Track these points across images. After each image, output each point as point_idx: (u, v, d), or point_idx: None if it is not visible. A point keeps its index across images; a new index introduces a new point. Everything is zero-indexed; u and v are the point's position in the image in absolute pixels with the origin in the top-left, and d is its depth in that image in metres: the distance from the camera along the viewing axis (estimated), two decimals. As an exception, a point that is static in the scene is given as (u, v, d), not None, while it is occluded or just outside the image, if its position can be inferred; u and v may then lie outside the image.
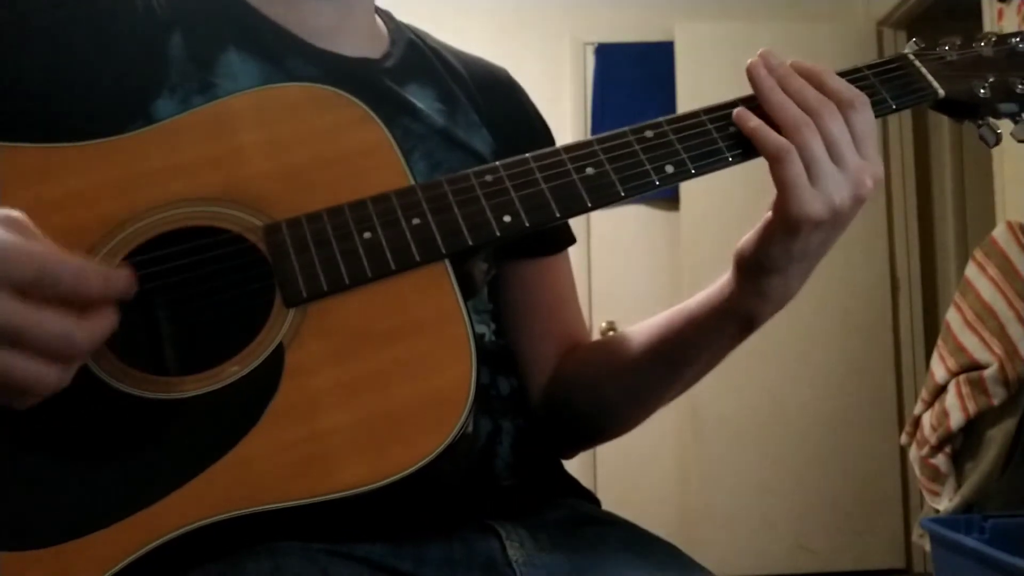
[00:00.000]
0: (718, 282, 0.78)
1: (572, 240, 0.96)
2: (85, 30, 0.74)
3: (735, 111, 0.73)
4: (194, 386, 0.62)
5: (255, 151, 0.70)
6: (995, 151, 2.85)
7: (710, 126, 0.73)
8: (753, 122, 0.72)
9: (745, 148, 0.73)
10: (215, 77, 0.76)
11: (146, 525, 0.58)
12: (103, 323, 0.56)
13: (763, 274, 0.73)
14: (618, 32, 3.92)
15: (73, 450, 0.60)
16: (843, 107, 0.71)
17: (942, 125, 3.89)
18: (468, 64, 0.93)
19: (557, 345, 0.90)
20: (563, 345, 0.90)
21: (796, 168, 0.69)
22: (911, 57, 0.80)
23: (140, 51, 0.75)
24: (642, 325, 0.85)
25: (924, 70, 0.79)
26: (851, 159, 0.70)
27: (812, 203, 0.69)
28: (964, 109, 0.81)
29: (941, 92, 0.79)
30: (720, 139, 0.73)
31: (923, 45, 0.82)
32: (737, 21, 3.77)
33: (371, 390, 0.63)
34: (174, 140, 0.70)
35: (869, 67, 0.79)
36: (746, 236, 0.74)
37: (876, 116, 0.76)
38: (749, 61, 0.73)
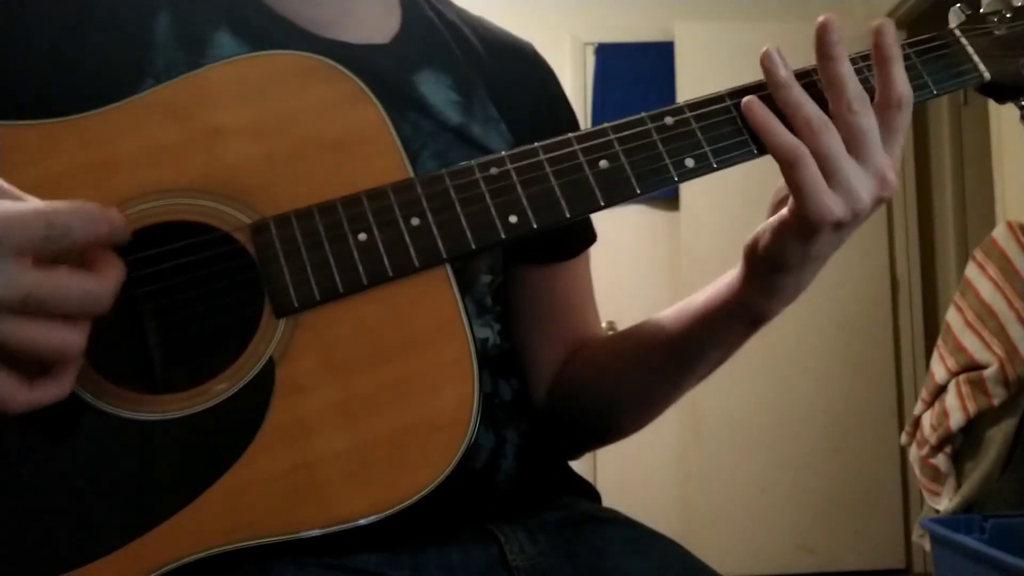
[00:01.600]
0: (726, 278, 0.74)
1: (591, 239, 0.90)
2: (63, 15, 0.69)
3: (743, 101, 0.67)
4: (180, 405, 0.59)
5: (238, 133, 0.64)
6: (995, 151, 2.85)
7: (735, 113, 0.67)
8: (761, 119, 0.66)
9: None
10: (206, 59, 0.69)
11: (133, 562, 0.55)
12: (115, 271, 0.54)
13: (776, 272, 0.70)
14: (618, 32, 3.92)
15: (50, 478, 0.56)
16: (881, 102, 0.66)
17: (942, 125, 3.88)
18: (489, 42, 0.86)
19: (566, 349, 0.87)
20: (569, 351, 0.87)
21: (810, 171, 0.64)
22: (957, 33, 0.73)
23: (123, 33, 0.69)
24: (649, 321, 0.82)
25: (970, 49, 0.72)
26: (877, 156, 0.65)
27: (831, 205, 0.64)
28: (1007, 91, 0.75)
29: (987, 75, 0.72)
30: (745, 128, 0.67)
31: (969, 12, 0.74)
32: (737, 21, 3.77)
33: (367, 412, 0.59)
34: (150, 118, 0.64)
35: (911, 44, 0.71)
36: (758, 231, 0.70)
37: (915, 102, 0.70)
38: (763, 49, 0.67)
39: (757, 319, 0.74)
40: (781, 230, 0.67)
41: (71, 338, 0.52)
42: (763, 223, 0.70)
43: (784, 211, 0.67)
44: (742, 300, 0.73)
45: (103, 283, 0.53)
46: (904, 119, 0.67)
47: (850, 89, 0.65)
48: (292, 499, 0.57)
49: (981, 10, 0.75)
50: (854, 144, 0.65)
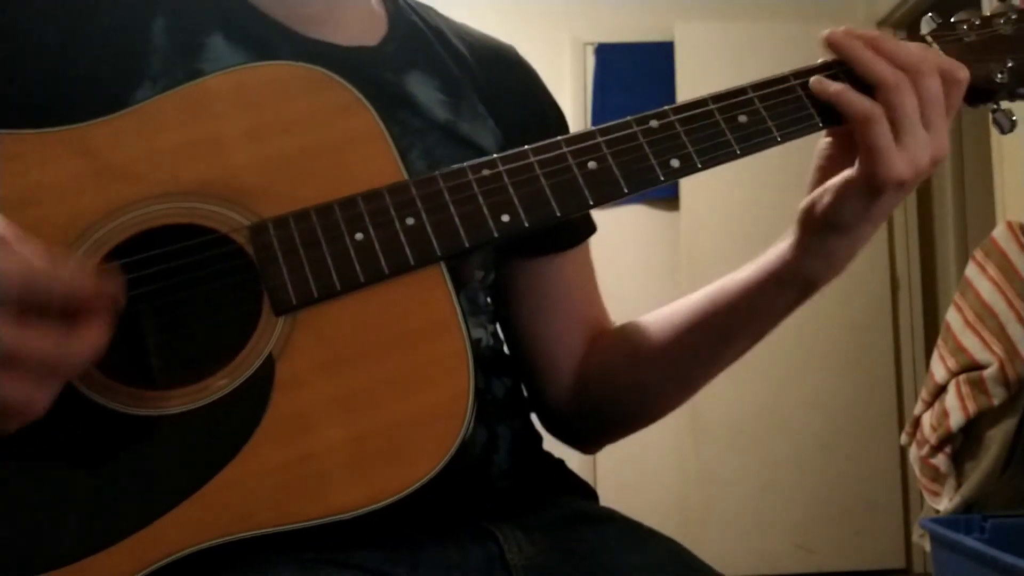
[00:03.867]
0: (774, 249, 0.76)
1: (592, 229, 0.91)
2: (58, 18, 0.70)
3: (811, 80, 0.71)
4: (181, 401, 0.60)
5: (237, 139, 0.66)
6: (995, 151, 2.85)
7: (718, 116, 0.70)
8: (835, 87, 0.70)
9: (753, 140, 0.70)
10: (201, 63, 0.71)
11: (137, 551, 0.56)
12: (98, 334, 0.53)
13: (833, 234, 0.72)
14: (618, 32, 3.92)
15: (54, 473, 0.58)
16: (948, 77, 0.70)
17: (942, 125, 3.88)
18: (474, 46, 0.88)
19: (584, 338, 0.87)
20: (590, 337, 0.87)
21: (884, 130, 0.67)
22: (928, 39, 0.77)
23: (119, 39, 0.71)
24: (681, 302, 0.82)
25: (942, 54, 0.75)
26: (939, 123, 0.69)
27: (899, 165, 0.67)
28: (979, 94, 0.78)
29: None
30: (728, 130, 0.70)
31: (940, 21, 0.78)
32: (737, 21, 3.77)
33: (365, 406, 0.61)
34: (149, 127, 0.66)
35: None
36: (814, 194, 0.73)
37: None
38: (825, 32, 0.72)
39: (808, 286, 0.76)
40: (845, 190, 0.70)
41: (38, 397, 0.51)
42: (820, 187, 0.72)
43: (849, 171, 0.70)
44: (795, 266, 0.74)
45: (78, 346, 0.52)
46: (959, 96, 0.71)
47: (911, 52, 0.70)
48: (292, 491, 0.59)
49: (952, 19, 0.79)
50: (922, 106, 0.69)
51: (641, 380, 0.84)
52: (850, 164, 0.70)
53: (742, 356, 0.82)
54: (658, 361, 0.82)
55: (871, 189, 0.69)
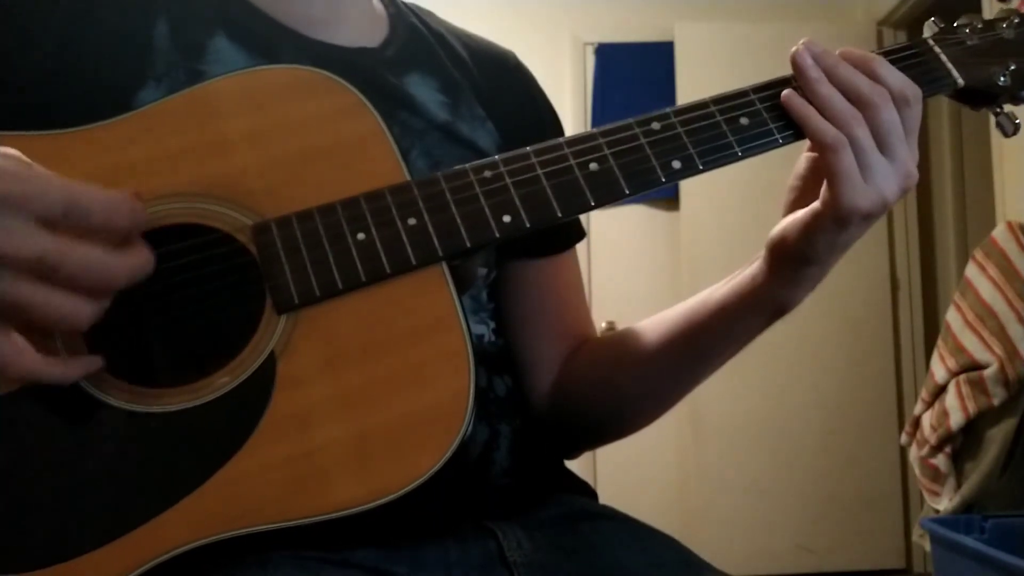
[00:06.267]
0: (746, 271, 0.76)
1: (580, 236, 0.92)
2: (62, 18, 0.70)
3: (783, 94, 0.71)
4: (184, 398, 0.60)
5: (241, 141, 0.67)
6: (995, 151, 2.85)
7: (719, 118, 0.70)
8: (804, 108, 0.70)
9: (754, 143, 0.70)
10: (204, 64, 0.72)
11: (137, 547, 0.56)
12: (139, 256, 0.56)
13: (803, 264, 0.72)
14: (618, 32, 3.92)
15: (57, 467, 0.58)
16: (898, 101, 0.69)
17: (942, 125, 3.88)
18: (474, 50, 0.89)
19: (564, 345, 0.87)
20: (570, 345, 0.88)
21: (849, 159, 0.67)
22: (931, 43, 0.77)
23: (123, 40, 0.71)
24: (659, 318, 0.83)
25: (944, 57, 0.76)
26: (900, 150, 0.69)
27: (864, 196, 0.67)
28: (982, 97, 0.77)
29: (960, 81, 0.76)
30: (730, 132, 0.70)
31: (942, 25, 0.78)
32: (737, 21, 3.77)
33: (366, 404, 0.61)
34: (155, 129, 0.66)
35: (886, 53, 0.75)
36: (784, 226, 0.72)
37: None
38: (793, 49, 0.71)
39: (780, 310, 0.76)
40: (813, 224, 0.70)
41: (80, 309, 0.54)
42: (788, 218, 0.72)
43: (816, 204, 0.70)
44: (766, 293, 0.75)
45: (121, 261, 0.55)
46: (915, 115, 0.70)
47: (864, 85, 0.69)
48: (293, 487, 0.59)
49: (955, 24, 0.79)
50: (880, 137, 0.68)
51: (619, 391, 0.84)
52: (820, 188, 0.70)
53: (714, 373, 0.83)
54: (636, 374, 0.83)
55: (837, 220, 0.69)
